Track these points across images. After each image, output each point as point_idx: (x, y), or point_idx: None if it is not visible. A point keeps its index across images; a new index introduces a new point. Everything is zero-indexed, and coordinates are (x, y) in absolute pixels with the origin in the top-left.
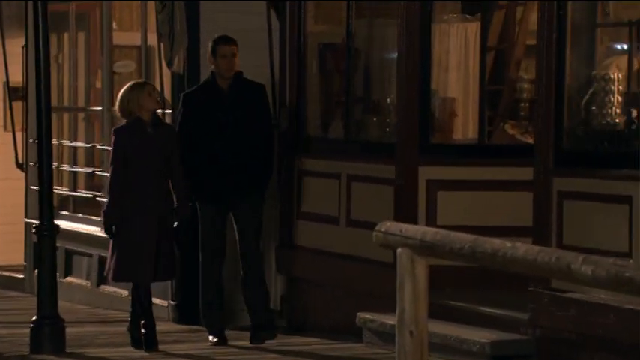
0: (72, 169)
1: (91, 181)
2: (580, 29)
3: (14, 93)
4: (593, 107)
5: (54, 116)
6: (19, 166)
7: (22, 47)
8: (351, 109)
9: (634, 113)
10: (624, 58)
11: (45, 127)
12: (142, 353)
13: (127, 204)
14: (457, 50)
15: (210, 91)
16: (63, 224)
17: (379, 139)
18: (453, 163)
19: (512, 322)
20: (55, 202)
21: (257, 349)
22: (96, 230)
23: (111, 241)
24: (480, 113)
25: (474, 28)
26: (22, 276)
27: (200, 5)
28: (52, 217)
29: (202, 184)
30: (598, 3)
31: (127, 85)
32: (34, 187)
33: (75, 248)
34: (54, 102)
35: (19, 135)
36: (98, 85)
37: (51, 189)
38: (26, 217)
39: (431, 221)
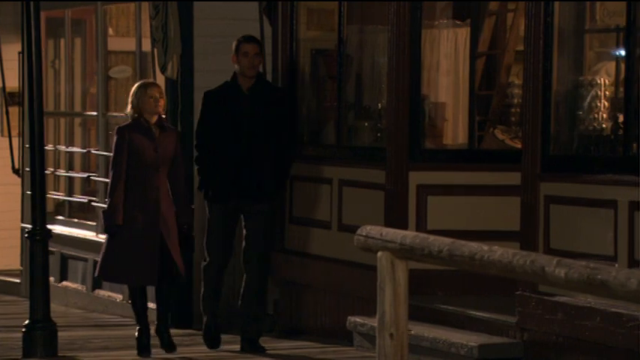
0: (67, 174)
1: (87, 187)
2: (568, 35)
3: (11, 98)
4: (580, 112)
5: (51, 121)
6: (16, 171)
7: (19, 53)
8: (343, 115)
9: (621, 118)
10: (614, 64)
11: (37, 132)
12: (135, 358)
13: (128, 205)
14: (447, 56)
15: (231, 90)
16: (59, 229)
17: (370, 144)
18: (443, 167)
19: (501, 325)
20: (51, 207)
21: (249, 353)
22: (91, 235)
23: (105, 242)
24: (469, 118)
25: (464, 33)
26: (18, 281)
27: (194, 11)
28: (45, 222)
29: (215, 183)
30: (587, 9)
31: (136, 84)
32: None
33: (70, 253)
34: (51, 107)
35: (15, 140)
36: (94, 90)
37: (43, 194)
38: (22, 222)
39: (421, 226)
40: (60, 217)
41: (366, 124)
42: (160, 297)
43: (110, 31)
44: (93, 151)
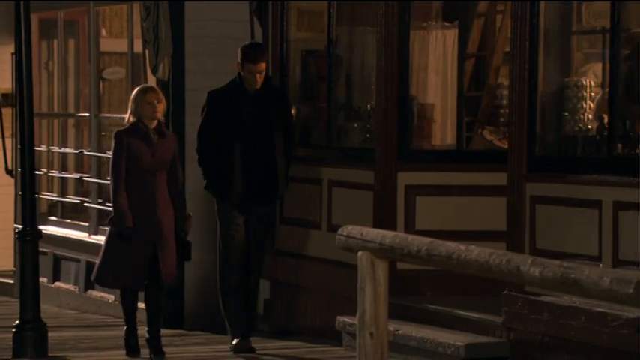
0: (60, 175)
1: (80, 187)
2: (555, 36)
3: (4, 99)
4: (566, 113)
5: (44, 123)
6: (9, 172)
7: (12, 54)
8: (333, 116)
9: (606, 119)
10: (600, 65)
11: (27, 133)
12: (125, 358)
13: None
14: (436, 57)
15: (236, 91)
16: (51, 230)
17: (360, 145)
18: (431, 168)
19: (488, 325)
20: (45, 208)
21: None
22: (84, 236)
23: (104, 246)
24: (458, 119)
25: (452, 35)
26: (11, 281)
27: (185, 13)
28: (35, 223)
29: (220, 183)
30: (573, 11)
31: (135, 89)
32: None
33: (63, 254)
34: (44, 108)
35: (8, 141)
36: (87, 91)
37: (33, 194)
38: (16, 222)
39: (410, 226)
40: (53, 218)
41: (356, 125)
42: (150, 303)
43: (103, 32)
44: (85, 152)
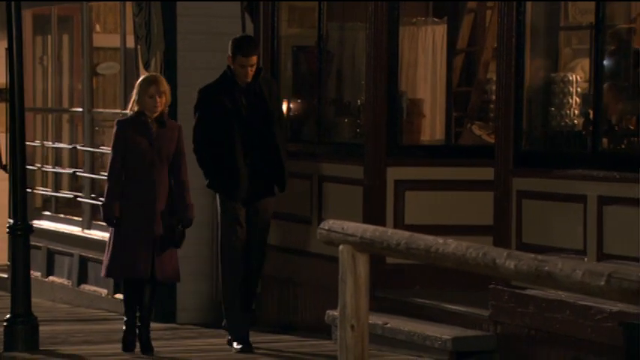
0: (54, 170)
1: (75, 182)
2: (542, 33)
3: None
4: (552, 108)
5: (39, 118)
6: (3, 167)
7: (6, 49)
8: (323, 111)
9: (591, 114)
10: (588, 61)
11: (18, 128)
12: (116, 351)
13: (125, 199)
14: (425, 52)
15: (227, 85)
16: (45, 224)
17: (350, 140)
18: (420, 163)
19: (475, 318)
20: (39, 203)
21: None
22: (77, 230)
23: (109, 239)
24: (447, 114)
25: (441, 30)
26: (6, 275)
27: (177, 8)
28: (26, 217)
29: (225, 181)
30: (561, 8)
31: (139, 79)
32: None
33: (57, 248)
34: (39, 103)
35: (3, 136)
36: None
37: (24, 189)
38: (10, 217)
39: (399, 220)
40: (47, 213)
41: (346, 120)
42: (143, 299)
43: (98, 27)
44: (79, 147)
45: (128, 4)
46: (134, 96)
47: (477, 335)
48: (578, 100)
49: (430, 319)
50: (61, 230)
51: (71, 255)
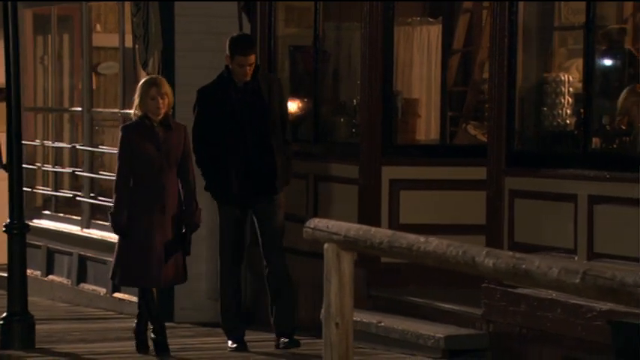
0: (54, 170)
1: (75, 182)
2: (535, 33)
3: None
4: (545, 108)
5: (39, 117)
6: (3, 166)
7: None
8: (320, 110)
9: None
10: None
11: (15, 128)
12: (111, 349)
13: (135, 206)
14: (420, 52)
15: (224, 85)
16: (45, 224)
17: (345, 139)
18: (415, 162)
19: (468, 317)
20: (39, 202)
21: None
22: (76, 229)
23: (117, 245)
24: (442, 114)
25: (436, 30)
26: (5, 275)
27: (174, 8)
28: (22, 216)
29: (219, 183)
30: (555, 8)
31: (140, 82)
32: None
33: (56, 247)
34: (40, 103)
35: (2, 136)
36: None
37: (21, 188)
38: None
39: (394, 220)
40: (46, 212)
41: (342, 119)
42: (155, 300)
43: (98, 27)
44: (78, 147)
45: (127, 4)
46: (136, 99)
47: (469, 334)
48: (570, 100)
49: (424, 317)
50: (60, 229)
51: (70, 254)
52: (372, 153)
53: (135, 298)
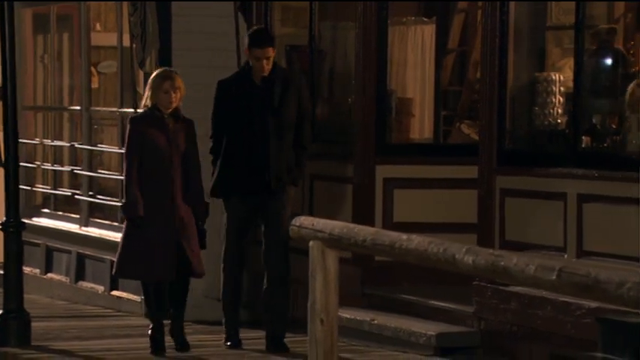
0: (53, 168)
1: (75, 180)
2: (527, 32)
3: None
4: (536, 108)
5: (39, 116)
6: (2, 164)
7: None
8: (315, 109)
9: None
10: None
11: (11, 125)
12: (106, 347)
13: (143, 200)
14: (414, 52)
15: (242, 80)
16: (44, 222)
17: (340, 138)
18: (409, 161)
19: (460, 315)
20: (39, 200)
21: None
22: (75, 228)
23: (122, 239)
24: (435, 113)
25: (430, 30)
26: (2, 272)
27: (172, 8)
28: (18, 214)
29: (229, 176)
30: (547, 8)
31: (153, 74)
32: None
33: (55, 245)
34: (40, 102)
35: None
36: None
37: (17, 186)
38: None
39: (388, 218)
40: (45, 210)
41: (337, 118)
42: (174, 296)
43: (98, 26)
44: (77, 145)
45: (125, 4)
46: (147, 91)
47: (460, 331)
48: (561, 99)
49: (417, 315)
50: (59, 227)
51: (69, 252)
52: (367, 152)
53: (132, 296)
